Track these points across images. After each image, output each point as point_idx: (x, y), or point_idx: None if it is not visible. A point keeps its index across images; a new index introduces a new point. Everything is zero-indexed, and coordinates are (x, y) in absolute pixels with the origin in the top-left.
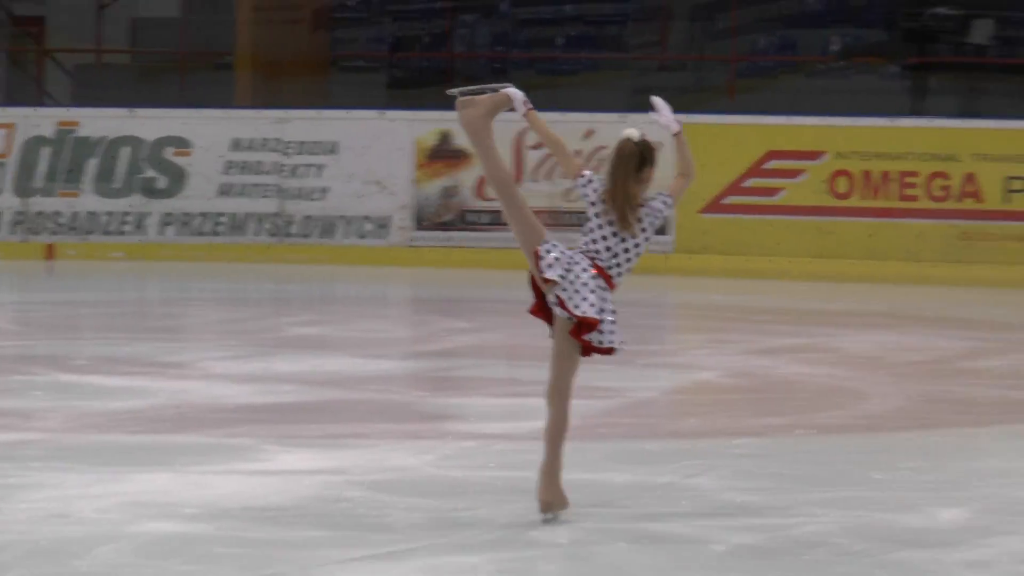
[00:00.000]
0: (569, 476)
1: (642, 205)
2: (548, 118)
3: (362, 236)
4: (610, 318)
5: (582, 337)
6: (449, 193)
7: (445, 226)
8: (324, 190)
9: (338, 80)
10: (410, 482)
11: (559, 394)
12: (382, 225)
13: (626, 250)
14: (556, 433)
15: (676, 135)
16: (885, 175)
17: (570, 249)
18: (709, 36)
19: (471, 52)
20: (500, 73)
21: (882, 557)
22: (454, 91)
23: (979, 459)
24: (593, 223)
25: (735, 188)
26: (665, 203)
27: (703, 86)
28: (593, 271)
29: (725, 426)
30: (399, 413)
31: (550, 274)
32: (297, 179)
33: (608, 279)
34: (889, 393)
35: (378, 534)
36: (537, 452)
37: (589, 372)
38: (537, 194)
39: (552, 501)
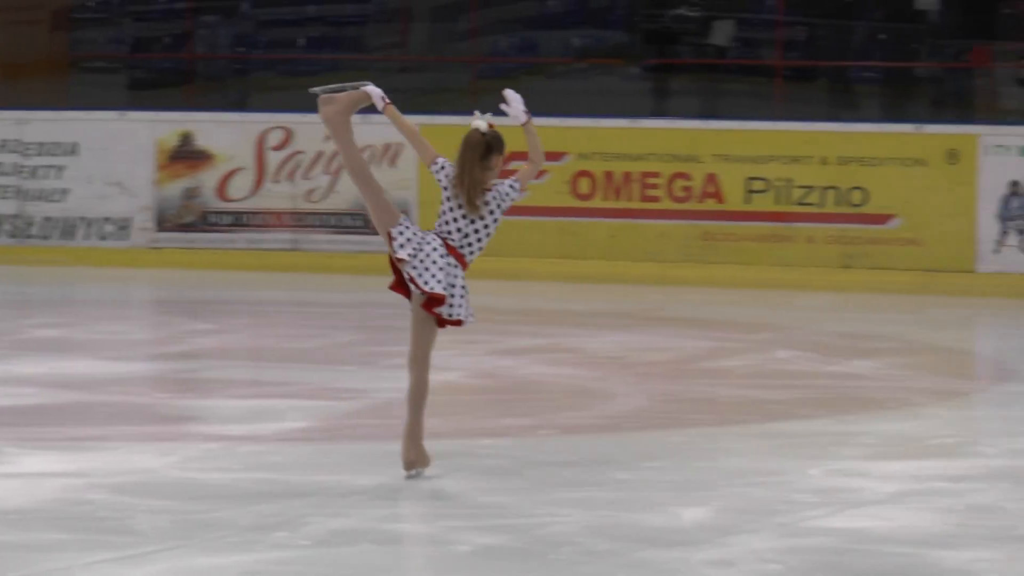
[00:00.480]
0: (315, 478)
1: (489, 190)
2: (289, 119)
3: (103, 238)
4: (459, 293)
5: (432, 310)
6: (190, 194)
7: (187, 227)
8: (64, 191)
9: (78, 81)
10: (153, 484)
11: (418, 362)
12: (123, 227)
13: (476, 231)
14: (417, 397)
15: (524, 125)
16: (627, 176)
17: (424, 231)
18: (450, 37)
19: (212, 53)
20: (241, 73)
21: (627, 556)
22: (316, 89)
23: (721, 459)
24: (445, 206)
25: None
26: (512, 187)
27: (445, 87)
28: (444, 250)
29: (469, 427)
30: (141, 415)
31: (401, 253)
32: (37, 180)
33: (460, 258)
34: (632, 393)
35: (121, 536)
36: (282, 454)
37: (332, 374)
38: (279, 196)
39: (415, 459)
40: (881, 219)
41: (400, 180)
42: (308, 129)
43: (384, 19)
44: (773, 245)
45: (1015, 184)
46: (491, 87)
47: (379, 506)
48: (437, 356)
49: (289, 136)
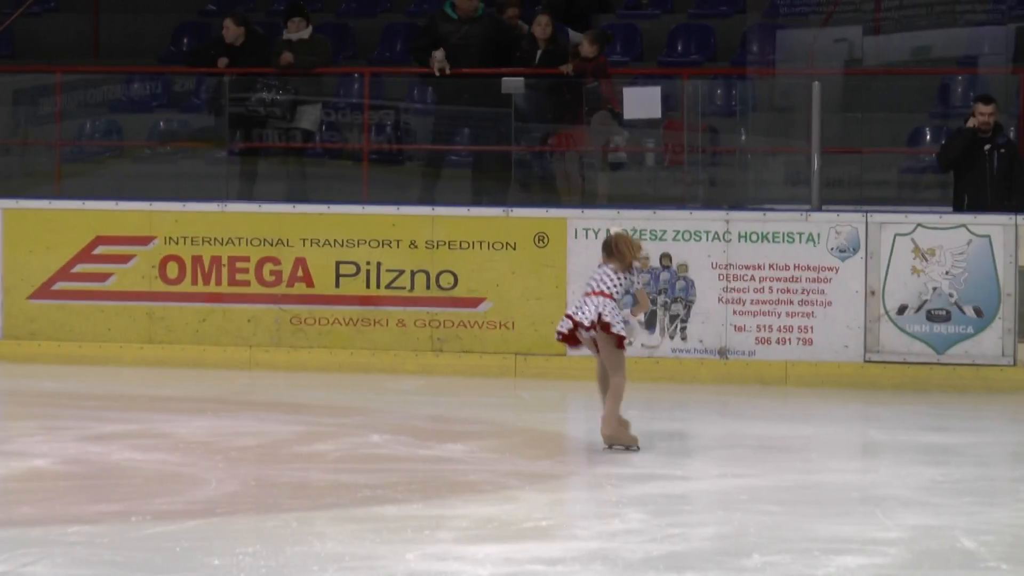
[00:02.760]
0: None
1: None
2: None
3: None
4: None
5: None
6: None
7: None
8: None
9: None
10: None
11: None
12: None
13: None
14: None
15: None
16: (215, 260)
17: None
18: (33, 121)
19: None
20: None
21: None
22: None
23: (316, 543)
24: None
25: (64, 274)
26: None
27: (29, 171)
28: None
29: (59, 513)
30: None
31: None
32: None
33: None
34: (224, 478)
35: None
36: None
37: None
38: None
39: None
40: (472, 302)
41: None
42: None
43: None
44: (363, 328)
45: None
46: (77, 171)
47: None
48: (23, 443)
49: None
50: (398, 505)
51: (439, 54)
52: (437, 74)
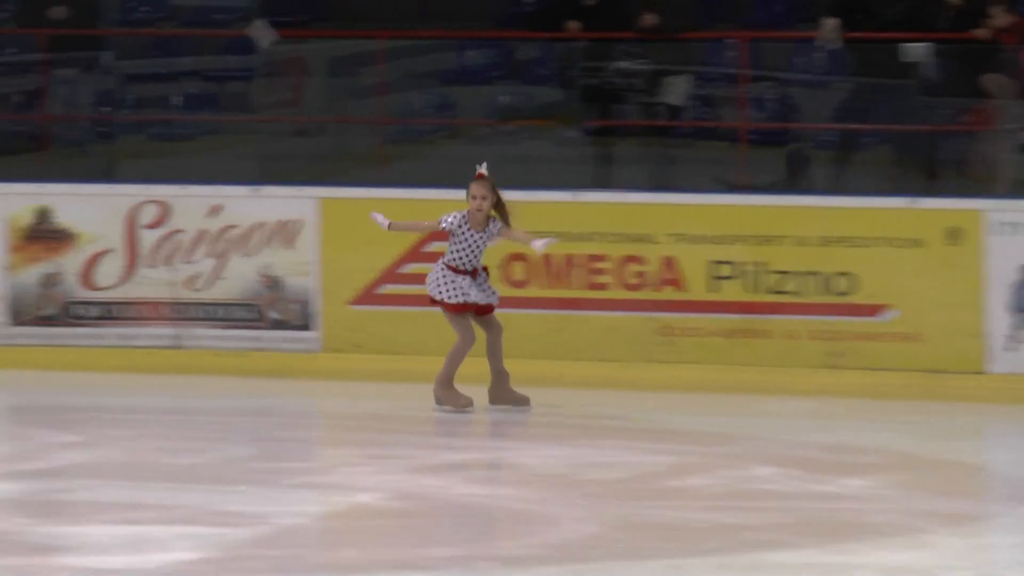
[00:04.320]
0: None
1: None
2: (166, 192)
3: None
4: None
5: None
6: (50, 282)
7: (46, 321)
8: None
9: None
10: None
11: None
12: None
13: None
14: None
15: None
16: (568, 260)
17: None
18: (352, 95)
19: (71, 114)
20: (105, 137)
21: None
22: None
23: None
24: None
25: (391, 275)
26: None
27: (348, 153)
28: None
29: (388, 558)
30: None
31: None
32: None
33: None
34: (583, 517)
35: None
36: None
37: (226, 496)
38: (155, 283)
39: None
40: (871, 310)
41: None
42: (188, 203)
43: (274, 73)
44: (743, 341)
45: None
46: (403, 153)
47: None
48: (346, 474)
49: (165, 212)
50: (789, 551)
51: (833, 22)
52: (824, 45)
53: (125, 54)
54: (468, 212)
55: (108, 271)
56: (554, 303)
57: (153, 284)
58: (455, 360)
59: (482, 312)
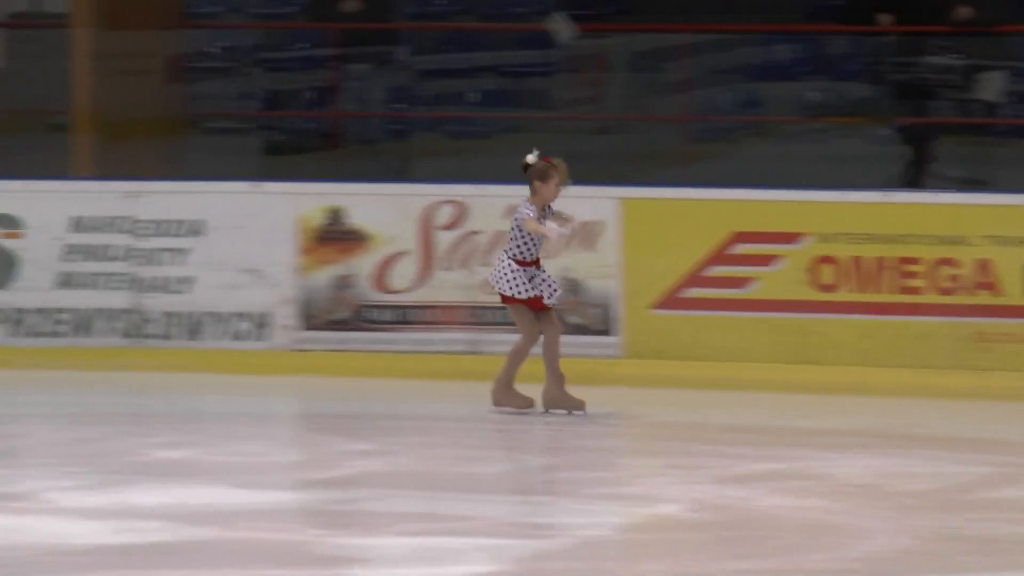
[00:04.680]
0: None
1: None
2: (462, 191)
3: (236, 338)
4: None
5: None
6: (342, 284)
7: (339, 325)
8: (188, 280)
9: (200, 145)
10: None
11: None
12: (261, 324)
13: None
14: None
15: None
16: (880, 262)
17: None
18: (655, 91)
19: (364, 111)
20: (399, 135)
21: None
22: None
23: None
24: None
25: (695, 278)
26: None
27: (651, 152)
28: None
29: (691, 571)
30: (290, 556)
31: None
32: (154, 267)
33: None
34: (893, 530)
35: None
36: None
37: (525, 506)
38: (451, 286)
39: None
40: None
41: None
42: (484, 204)
43: (574, 68)
44: None
45: None
46: (706, 151)
47: None
48: (648, 485)
49: (462, 212)
50: None
51: None
52: None
53: (420, 49)
54: (533, 201)
55: (402, 274)
56: (864, 308)
57: (449, 287)
58: (518, 360)
59: (543, 308)
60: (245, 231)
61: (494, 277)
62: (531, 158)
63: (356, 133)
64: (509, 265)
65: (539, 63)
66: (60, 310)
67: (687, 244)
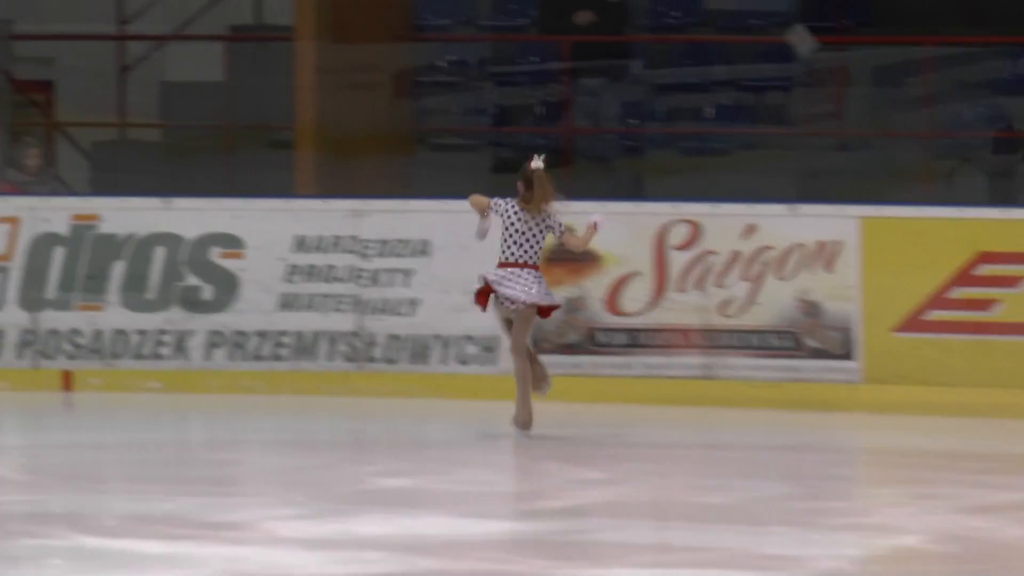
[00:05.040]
0: None
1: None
2: (698, 210)
3: (463, 362)
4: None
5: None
6: (574, 307)
7: (569, 349)
8: (413, 302)
9: (427, 161)
10: None
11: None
12: (488, 348)
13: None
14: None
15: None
16: None
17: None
18: (897, 106)
19: (596, 126)
20: (632, 152)
21: None
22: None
23: None
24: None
25: (938, 300)
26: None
27: (894, 169)
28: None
29: None
30: None
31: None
32: (379, 288)
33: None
34: None
35: None
36: None
37: (760, 537)
38: (685, 309)
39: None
40: None
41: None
42: (720, 223)
43: (814, 83)
44: None
45: None
46: (951, 169)
47: None
48: (888, 515)
49: (697, 232)
50: None
51: None
52: None
53: (654, 62)
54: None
55: (635, 296)
56: None
57: (683, 310)
58: (526, 376)
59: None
60: (472, 252)
61: (535, 295)
62: (536, 164)
63: (587, 149)
64: (535, 275)
65: (778, 77)
66: (282, 332)
67: (930, 264)
